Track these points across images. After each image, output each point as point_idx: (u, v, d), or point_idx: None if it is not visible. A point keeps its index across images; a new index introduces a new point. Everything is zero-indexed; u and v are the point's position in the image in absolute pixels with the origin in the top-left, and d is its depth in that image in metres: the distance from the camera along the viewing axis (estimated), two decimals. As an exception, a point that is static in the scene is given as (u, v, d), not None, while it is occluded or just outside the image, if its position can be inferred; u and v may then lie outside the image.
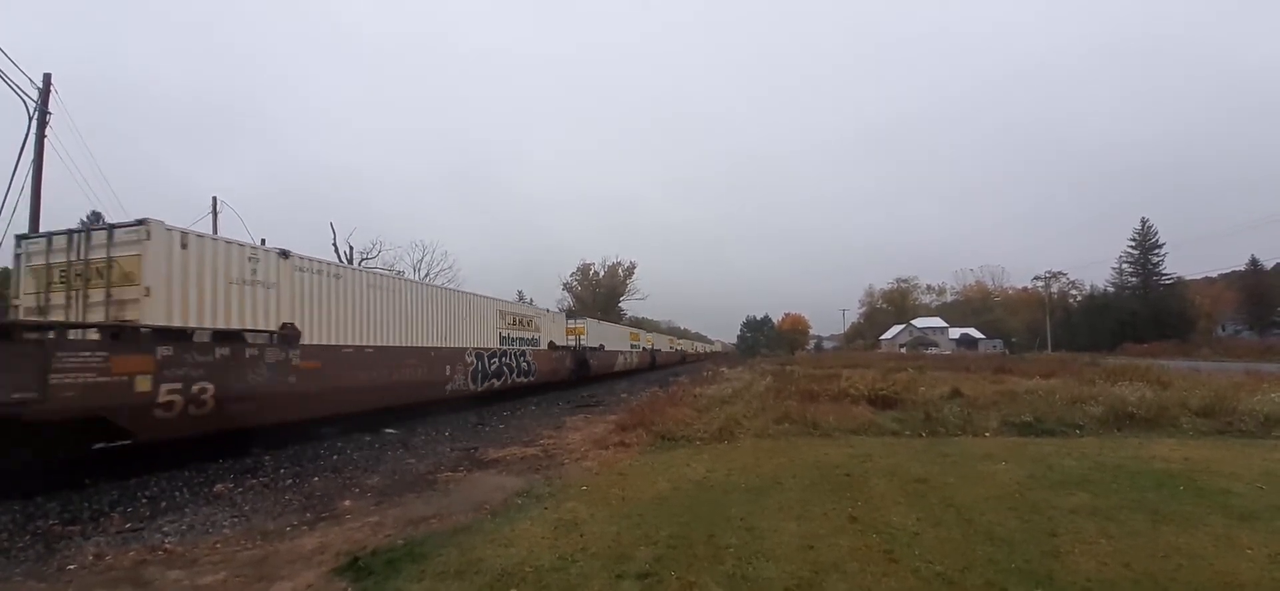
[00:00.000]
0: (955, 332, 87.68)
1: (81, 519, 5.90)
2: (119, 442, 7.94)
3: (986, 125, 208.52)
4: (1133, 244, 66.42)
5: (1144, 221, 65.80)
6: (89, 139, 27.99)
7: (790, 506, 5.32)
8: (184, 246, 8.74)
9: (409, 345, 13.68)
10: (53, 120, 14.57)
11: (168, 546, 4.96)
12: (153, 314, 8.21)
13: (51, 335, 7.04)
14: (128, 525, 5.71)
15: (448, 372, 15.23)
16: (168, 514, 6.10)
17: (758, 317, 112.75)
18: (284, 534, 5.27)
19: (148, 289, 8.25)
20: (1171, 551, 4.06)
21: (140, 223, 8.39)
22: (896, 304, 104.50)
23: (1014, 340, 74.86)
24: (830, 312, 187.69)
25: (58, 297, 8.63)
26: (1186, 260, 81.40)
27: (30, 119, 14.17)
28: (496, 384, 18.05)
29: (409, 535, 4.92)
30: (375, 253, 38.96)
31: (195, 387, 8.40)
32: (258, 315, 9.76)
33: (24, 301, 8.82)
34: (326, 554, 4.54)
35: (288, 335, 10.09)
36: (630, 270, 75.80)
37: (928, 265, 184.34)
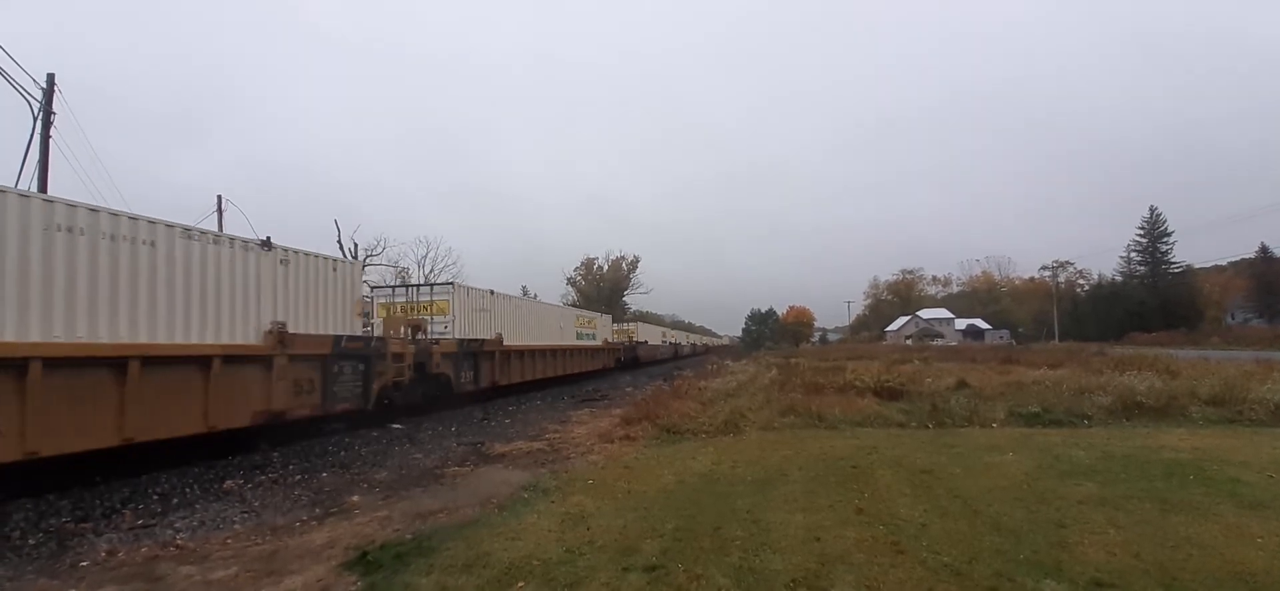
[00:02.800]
0: (962, 323, 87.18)
1: (93, 516, 5.96)
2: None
3: (989, 115, 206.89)
4: (1141, 232, 65.90)
5: (1152, 209, 65.25)
6: (78, 136, 28.07)
7: (796, 498, 5.33)
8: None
9: (659, 343, 46.85)
10: (56, 119, 14.65)
11: (179, 542, 5.01)
12: (646, 334, 44.55)
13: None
14: (139, 522, 5.76)
15: (671, 352, 49.66)
16: (179, 510, 6.15)
17: (762, 311, 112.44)
18: (294, 529, 5.31)
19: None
20: (1181, 541, 4.04)
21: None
22: (902, 295, 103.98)
23: (1021, 330, 74.37)
24: (835, 305, 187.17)
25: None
26: (1195, 248, 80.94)
27: (35, 119, 14.26)
28: (665, 356, 46.02)
29: (417, 529, 4.96)
30: (379, 250, 39.14)
31: (644, 350, 40.50)
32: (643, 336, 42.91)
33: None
34: (336, 548, 4.58)
35: (644, 342, 40.70)
36: (634, 264, 76.09)
37: (933, 256, 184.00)
